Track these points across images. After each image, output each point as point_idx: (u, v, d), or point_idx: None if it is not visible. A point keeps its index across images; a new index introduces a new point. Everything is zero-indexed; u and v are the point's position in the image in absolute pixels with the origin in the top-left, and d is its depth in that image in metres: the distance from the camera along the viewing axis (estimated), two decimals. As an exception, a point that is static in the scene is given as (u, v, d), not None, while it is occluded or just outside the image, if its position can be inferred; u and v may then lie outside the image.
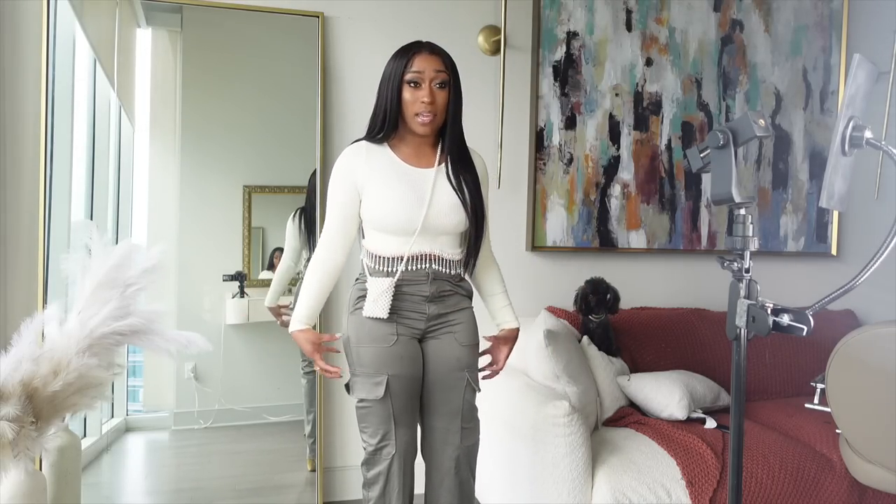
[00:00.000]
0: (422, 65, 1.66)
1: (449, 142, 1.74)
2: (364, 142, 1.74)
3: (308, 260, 2.65)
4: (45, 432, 1.39)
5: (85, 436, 2.46)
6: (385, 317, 1.67)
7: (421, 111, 1.66)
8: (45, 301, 2.21)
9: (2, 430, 1.28)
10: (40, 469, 1.96)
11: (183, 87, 2.61)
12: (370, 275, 1.72)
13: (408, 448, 1.72)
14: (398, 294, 1.69)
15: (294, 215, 2.67)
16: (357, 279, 1.79)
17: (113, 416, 2.65)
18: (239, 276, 2.64)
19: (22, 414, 1.31)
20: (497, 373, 1.91)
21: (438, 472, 1.78)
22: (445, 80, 1.69)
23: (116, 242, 1.62)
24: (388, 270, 1.70)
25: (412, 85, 1.66)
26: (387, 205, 1.67)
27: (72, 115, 2.41)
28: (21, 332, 1.40)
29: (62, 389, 1.37)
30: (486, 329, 1.92)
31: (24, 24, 2.26)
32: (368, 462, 1.73)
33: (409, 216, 1.67)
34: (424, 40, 1.73)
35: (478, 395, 1.83)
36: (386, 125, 1.71)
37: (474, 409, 1.81)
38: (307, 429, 2.67)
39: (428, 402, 1.78)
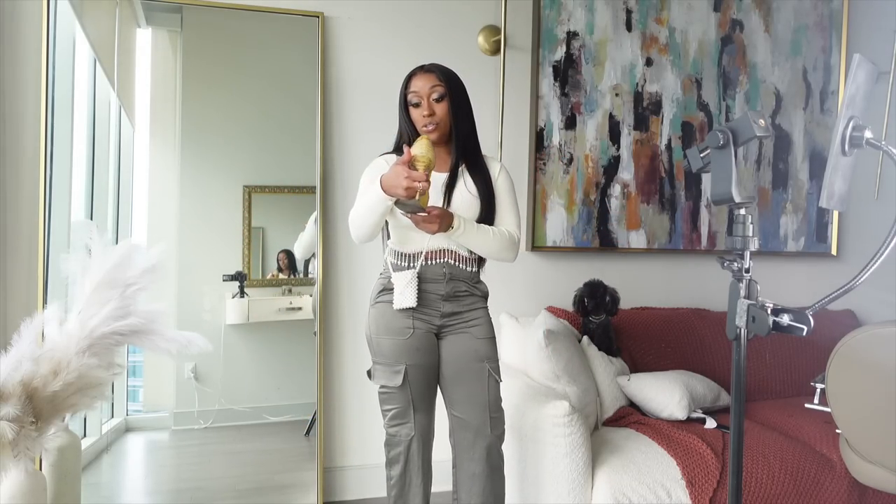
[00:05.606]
0: (417, 85, 1.85)
1: (456, 145, 1.89)
2: (389, 154, 1.93)
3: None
4: (45, 432, 1.38)
5: (85, 436, 2.46)
6: (414, 305, 1.81)
7: (425, 124, 1.85)
8: (45, 301, 2.21)
9: (2, 430, 1.28)
10: (40, 469, 1.96)
11: (183, 88, 2.61)
12: (393, 270, 1.87)
13: (425, 430, 1.89)
14: (417, 289, 1.83)
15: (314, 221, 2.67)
16: (381, 274, 1.93)
17: (113, 416, 2.65)
18: (239, 276, 2.64)
19: (22, 414, 1.31)
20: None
21: (472, 462, 1.88)
22: (442, 93, 1.85)
23: (116, 242, 1.62)
24: (409, 265, 1.85)
25: (414, 105, 1.87)
26: None
27: (72, 115, 2.41)
28: (21, 332, 1.40)
29: (62, 389, 1.37)
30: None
31: (24, 24, 2.26)
32: (390, 443, 1.90)
33: None
34: (426, 63, 1.90)
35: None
36: (404, 140, 1.92)
37: (499, 400, 1.92)
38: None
39: (455, 396, 1.90)
